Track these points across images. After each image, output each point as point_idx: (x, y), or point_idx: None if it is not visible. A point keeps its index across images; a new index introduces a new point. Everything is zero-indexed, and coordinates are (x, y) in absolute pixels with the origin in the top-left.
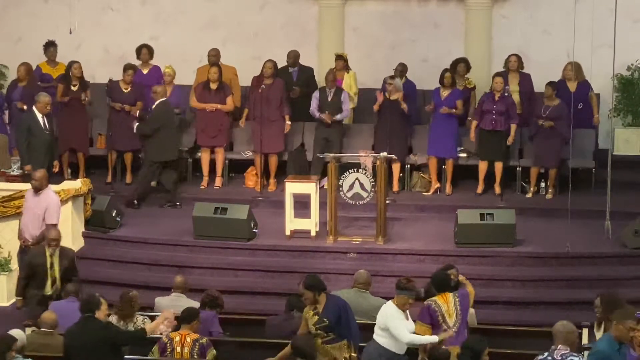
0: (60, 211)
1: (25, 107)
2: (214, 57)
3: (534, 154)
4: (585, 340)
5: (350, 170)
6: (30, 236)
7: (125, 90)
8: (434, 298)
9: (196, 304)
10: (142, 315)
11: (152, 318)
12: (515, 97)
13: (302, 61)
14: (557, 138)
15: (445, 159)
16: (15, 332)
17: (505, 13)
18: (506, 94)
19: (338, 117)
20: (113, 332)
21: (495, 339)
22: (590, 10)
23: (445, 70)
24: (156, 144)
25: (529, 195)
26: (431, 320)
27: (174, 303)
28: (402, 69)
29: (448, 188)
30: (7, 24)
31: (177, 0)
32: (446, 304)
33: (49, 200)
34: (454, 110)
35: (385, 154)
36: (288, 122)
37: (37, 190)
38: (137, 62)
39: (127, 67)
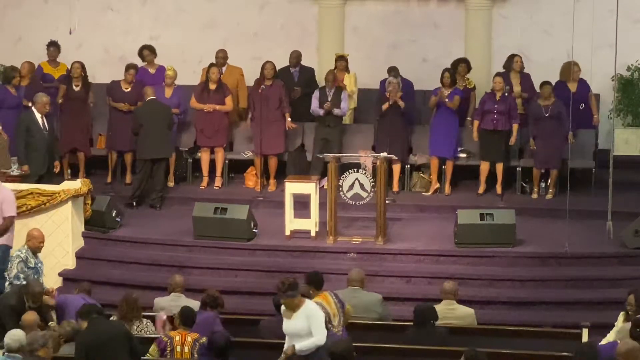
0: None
1: (30, 105)
2: (222, 58)
3: (538, 156)
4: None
5: (350, 171)
6: None
7: (126, 90)
8: (317, 300)
9: (196, 304)
10: (146, 318)
11: (152, 318)
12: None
13: (303, 61)
14: (559, 138)
15: (445, 159)
16: (15, 332)
17: (505, 13)
18: (506, 94)
19: (336, 111)
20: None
21: (496, 339)
22: (590, 10)
23: (446, 69)
24: (141, 142)
25: (535, 196)
26: None
27: (173, 303)
28: (394, 74)
29: (447, 188)
30: (7, 24)
31: (177, 0)
32: (329, 305)
33: (3, 193)
34: (447, 101)
35: (385, 154)
36: (289, 119)
37: None
38: (142, 64)
39: (129, 67)
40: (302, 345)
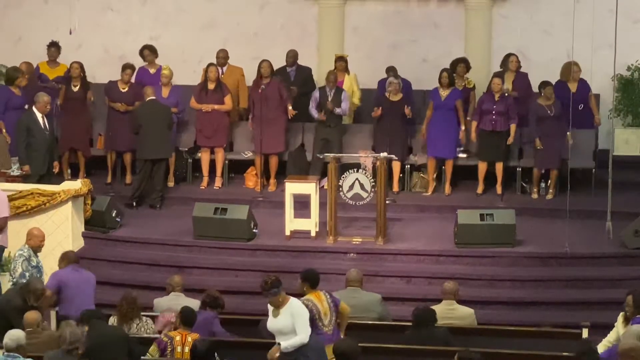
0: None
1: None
2: (223, 58)
3: (538, 156)
4: None
5: (350, 171)
6: None
7: (123, 90)
8: (308, 297)
9: (196, 303)
10: (145, 316)
11: (152, 318)
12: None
13: (302, 61)
14: (560, 138)
15: (444, 159)
16: (14, 332)
17: (505, 13)
18: (506, 94)
19: (337, 110)
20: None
21: (496, 339)
22: (590, 10)
23: (444, 70)
24: (141, 143)
25: (535, 196)
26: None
27: (173, 303)
28: (394, 74)
29: (447, 188)
30: (7, 24)
31: (177, 0)
32: (320, 302)
33: None
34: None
35: (385, 154)
36: (290, 107)
37: None
38: (143, 64)
39: (126, 67)
40: (287, 343)
